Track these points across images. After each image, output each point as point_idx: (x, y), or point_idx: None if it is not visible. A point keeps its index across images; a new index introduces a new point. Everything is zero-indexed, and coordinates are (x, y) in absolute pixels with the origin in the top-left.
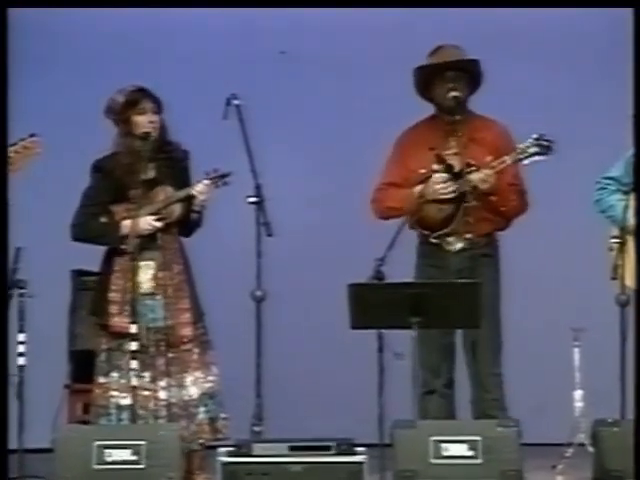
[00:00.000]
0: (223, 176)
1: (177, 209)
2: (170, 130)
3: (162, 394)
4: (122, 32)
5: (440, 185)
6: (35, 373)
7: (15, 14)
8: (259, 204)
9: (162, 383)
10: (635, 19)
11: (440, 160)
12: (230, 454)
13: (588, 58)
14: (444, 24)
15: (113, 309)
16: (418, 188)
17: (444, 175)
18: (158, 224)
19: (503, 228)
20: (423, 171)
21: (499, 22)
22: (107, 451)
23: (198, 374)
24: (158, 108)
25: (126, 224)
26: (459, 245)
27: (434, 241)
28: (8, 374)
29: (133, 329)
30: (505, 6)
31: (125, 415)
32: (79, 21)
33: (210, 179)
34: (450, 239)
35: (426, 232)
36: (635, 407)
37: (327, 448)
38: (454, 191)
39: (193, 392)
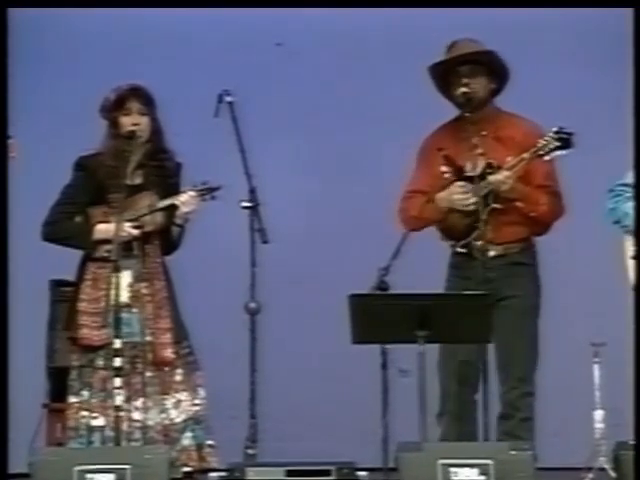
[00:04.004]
0: (211, 189)
1: (159, 219)
2: (166, 137)
3: (136, 415)
4: (122, 31)
5: (459, 196)
6: (12, 392)
7: (15, 14)
8: (253, 209)
9: (137, 403)
10: (635, 19)
11: (449, 162)
12: (222, 479)
13: (602, 58)
14: (447, 22)
15: (82, 320)
16: (440, 195)
17: (463, 184)
18: (135, 232)
19: (540, 233)
20: (448, 175)
21: (507, 20)
22: (89, 476)
23: (182, 397)
24: (148, 110)
25: (99, 229)
26: (490, 253)
27: (461, 250)
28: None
29: (117, 344)
30: (505, 6)
31: (96, 437)
32: (79, 21)
33: (196, 191)
34: (479, 247)
35: (452, 242)
36: (635, 421)
37: (327, 473)
38: (474, 202)
39: (174, 415)
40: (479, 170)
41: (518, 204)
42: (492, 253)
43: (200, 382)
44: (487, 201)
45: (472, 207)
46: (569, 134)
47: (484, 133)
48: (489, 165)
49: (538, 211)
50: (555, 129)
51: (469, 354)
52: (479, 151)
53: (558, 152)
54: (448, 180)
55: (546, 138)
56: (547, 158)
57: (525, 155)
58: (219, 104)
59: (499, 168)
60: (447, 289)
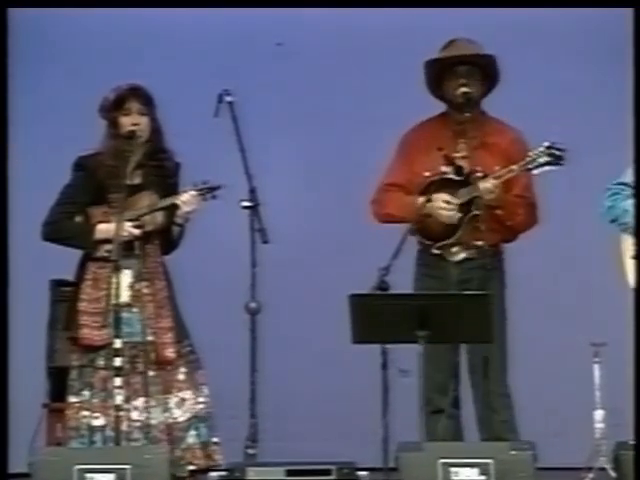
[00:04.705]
0: (212, 189)
1: (159, 218)
2: (165, 136)
3: (135, 415)
4: (122, 31)
5: (446, 213)
6: (12, 391)
7: (15, 14)
8: (254, 209)
9: (136, 403)
10: (635, 19)
11: (449, 161)
12: (222, 478)
13: (602, 58)
14: (447, 22)
15: (83, 320)
16: (421, 200)
17: (448, 199)
18: (136, 231)
19: (510, 240)
20: (428, 174)
21: (507, 20)
22: (89, 475)
23: (186, 395)
24: (147, 110)
25: (100, 228)
26: (462, 255)
27: (436, 252)
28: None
29: (118, 343)
30: (505, 6)
31: (98, 437)
32: (79, 21)
33: (197, 190)
34: (454, 249)
35: (428, 242)
36: (635, 421)
37: (327, 472)
38: (459, 218)
39: (178, 414)
40: (463, 174)
41: (498, 212)
42: (463, 255)
43: (203, 380)
44: (469, 207)
45: (455, 222)
46: (560, 150)
47: (470, 136)
48: (474, 171)
49: (515, 220)
50: (547, 144)
51: (458, 353)
52: (464, 154)
53: (548, 167)
54: (428, 179)
55: (536, 152)
56: (536, 172)
57: (514, 167)
58: (219, 104)
59: (485, 176)
60: (417, 289)
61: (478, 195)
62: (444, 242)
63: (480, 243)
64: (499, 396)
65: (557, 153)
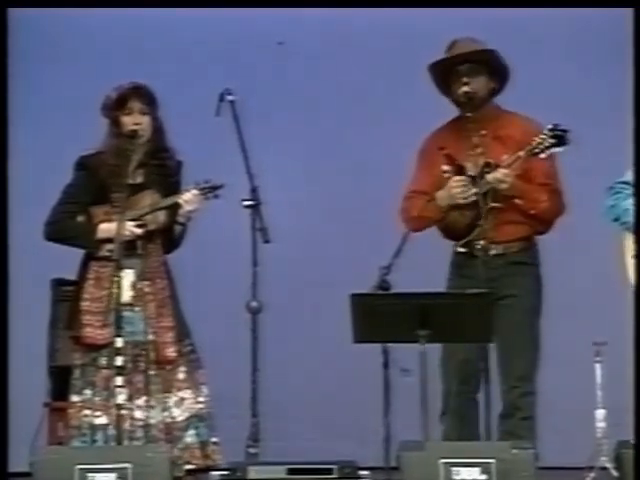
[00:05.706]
0: (214, 188)
1: (161, 217)
2: (167, 135)
3: (138, 414)
4: (122, 31)
5: (458, 189)
6: (13, 391)
7: (15, 14)
8: (255, 208)
9: (139, 402)
10: (635, 19)
11: (450, 160)
12: (224, 478)
13: (602, 58)
14: (447, 22)
15: (85, 319)
16: (440, 193)
17: (461, 178)
18: (138, 230)
19: (542, 231)
20: (447, 175)
21: (506, 20)
22: (90, 475)
23: (186, 395)
24: (149, 109)
25: (103, 228)
26: (491, 252)
27: (462, 250)
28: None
29: (119, 342)
30: (505, 6)
31: (99, 436)
32: (79, 21)
33: (199, 189)
34: (480, 246)
35: (453, 241)
36: (635, 420)
37: (328, 471)
38: (474, 194)
39: (177, 414)
40: (478, 169)
41: (517, 201)
42: (492, 252)
43: (203, 380)
44: (486, 200)
45: (473, 198)
46: (564, 131)
47: (484, 132)
48: (487, 164)
49: (538, 208)
50: (550, 126)
51: (470, 353)
52: (479, 150)
53: (554, 149)
54: (449, 179)
55: (541, 136)
56: (543, 156)
57: (521, 153)
58: (220, 103)
59: (497, 167)
60: (448, 288)
61: (493, 187)
62: (466, 239)
63: (506, 239)
64: (525, 393)
65: (561, 134)
